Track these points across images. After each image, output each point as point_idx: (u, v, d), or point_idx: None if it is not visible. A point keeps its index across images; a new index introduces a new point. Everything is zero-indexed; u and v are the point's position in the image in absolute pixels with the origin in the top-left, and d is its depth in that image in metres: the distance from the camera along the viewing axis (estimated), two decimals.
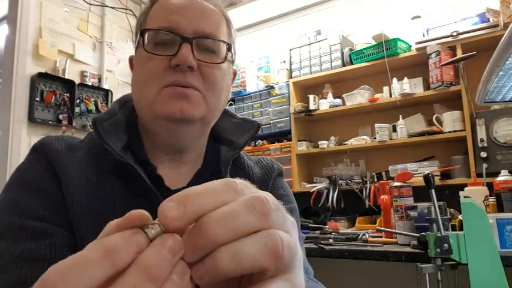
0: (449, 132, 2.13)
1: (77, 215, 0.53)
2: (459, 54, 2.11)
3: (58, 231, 0.52)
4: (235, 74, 0.69)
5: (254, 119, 0.71)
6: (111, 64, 2.83)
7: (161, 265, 0.20)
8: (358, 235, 1.69)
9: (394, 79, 2.34)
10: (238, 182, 0.24)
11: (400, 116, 2.33)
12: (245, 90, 2.99)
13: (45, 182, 0.55)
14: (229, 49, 0.61)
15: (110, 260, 0.19)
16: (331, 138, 2.57)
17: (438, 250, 1.25)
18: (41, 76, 2.32)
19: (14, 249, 0.48)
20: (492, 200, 1.55)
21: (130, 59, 0.67)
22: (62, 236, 0.52)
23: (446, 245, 1.23)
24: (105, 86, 2.73)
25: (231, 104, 2.94)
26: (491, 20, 2.07)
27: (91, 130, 0.61)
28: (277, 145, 2.71)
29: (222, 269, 0.21)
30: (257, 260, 0.22)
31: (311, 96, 2.64)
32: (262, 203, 0.23)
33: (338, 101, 2.58)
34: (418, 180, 1.77)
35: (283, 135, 2.74)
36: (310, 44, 2.70)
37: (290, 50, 2.79)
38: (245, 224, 0.22)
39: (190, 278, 0.21)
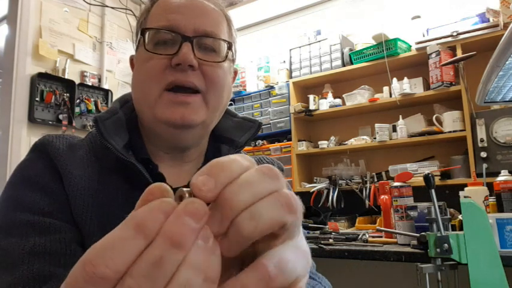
0: (449, 132, 2.13)
1: (80, 213, 0.53)
2: (459, 54, 2.11)
3: (66, 226, 0.52)
4: (236, 73, 0.69)
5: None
6: (111, 64, 2.82)
7: (184, 232, 0.20)
8: (358, 235, 1.69)
9: (394, 79, 2.34)
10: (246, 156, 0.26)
11: (400, 116, 2.33)
12: (245, 90, 2.99)
13: (48, 179, 0.54)
14: (229, 48, 0.61)
15: (142, 234, 0.20)
16: (331, 138, 2.57)
17: (438, 250, 1.25)
18: (41, 76, 2.32)
19: (24, 245, 0.48)
20: (492, 200, 1.55)
21: (131, 59, 0.67)
22: (70, 232, 0.52)
23: (446, 245, 1.23)
24: (105, 86, 2.73)
25: (231, 104, 2.94)
26: (491, 20, 2.07)
27: (91, 129, 0.60)
28: (277, 145, 2.71)
29: (245, 233, 0.22)
30: (274, 216, 0.23)
31: (311, 96, 2.64)
32: (271, 169, 0.25)
33: (338, 101, 2.58)
34: (418, 180, 1.77)
35: (283, 135, 2.74)
36: (310, 44, 2.70)
37: (290, 50, 2.79)
38: (261, 188, 0.23)
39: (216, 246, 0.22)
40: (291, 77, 2.76)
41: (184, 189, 0.23)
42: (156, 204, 0.21)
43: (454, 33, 2.14)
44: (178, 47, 0.56)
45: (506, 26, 1.97)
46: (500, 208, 1.49)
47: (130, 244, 0.20)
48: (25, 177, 0.55)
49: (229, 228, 0.22)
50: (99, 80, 2.72)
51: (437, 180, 1.99)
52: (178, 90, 0.56)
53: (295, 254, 0.24)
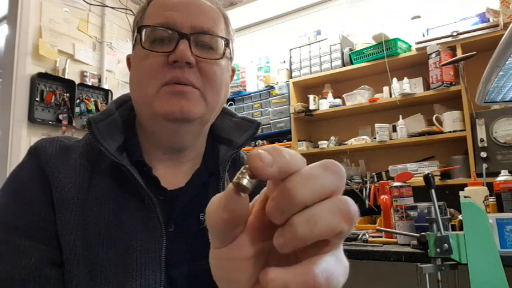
0: (449, 132, 2.13)
1: (65, 222, 0.53)
2: (459, 54, 2.11)
3: (38, 248, 0.51)
4: (233, 71, 0.69)
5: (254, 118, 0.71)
6: (111, 64, 2.82)
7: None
8: (358, 235, 1.69)
9: (394, 79, 2.34)
10: None
11: (400, 116, 2.33)
12: (245, 90, 2.99)
13: (34, 189, 0.54)
14: (227, 45, 0.61)
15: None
16: (331, 138, 2.57)
17: (438, 250, 1.25)
18: (41, 76, 2.32)
19: None
20: (492, 200, 1.54)
21: (128, 58, 0.66)
22: (41, 253, 0.51)
23: (446, 245, 1.23)
24: (105, 86, 2.73)
25: (231, 104, 2.94)
26: (491, 20, 2.07)
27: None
28: (277, 145, 2.70)
29: (300, 235, 0.22)
30: (331, 223, 0.23)
31: (311, 96, 2.64)
32: (336, 165, 0.24)
33: (338, 101, 2.58)
34: (418, 180, 1.77)
35: (283, 135, 2.74)
36: (310, 44, 2.70)
37: (290, 50, 2.79)
38: (325, 186, 0.23)
39: None
40: (291, 77, 2.76)
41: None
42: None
43: (454, 33, 2.14)
44: (175, 44, 0.55)
45: (506, 26, 1.97)
46: (500, 208, 1.48)
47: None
48: (12, 185, 0.55)
49: (284, 226, 0.23)
50: (99, 80, 2.72)
51: (437, 180, 1.99)
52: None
53: (339, 267, 0.24)
